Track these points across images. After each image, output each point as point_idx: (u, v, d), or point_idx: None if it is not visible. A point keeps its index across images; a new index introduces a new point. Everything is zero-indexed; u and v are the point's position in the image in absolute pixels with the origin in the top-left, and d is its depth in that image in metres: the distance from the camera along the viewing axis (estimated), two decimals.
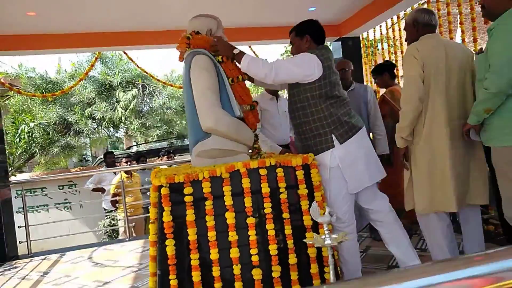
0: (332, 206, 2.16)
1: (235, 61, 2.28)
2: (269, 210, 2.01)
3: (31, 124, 8.53)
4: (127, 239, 4.54)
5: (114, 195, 5.48)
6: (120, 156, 7.82)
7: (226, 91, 2.20)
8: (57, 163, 10.96)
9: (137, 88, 9.58)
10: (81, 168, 10.10)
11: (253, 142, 2.30)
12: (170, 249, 1.93)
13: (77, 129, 9.26)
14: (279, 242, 2.02)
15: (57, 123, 9.13)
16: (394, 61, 5.24)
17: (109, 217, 6.37)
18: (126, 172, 5.50)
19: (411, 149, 2.33)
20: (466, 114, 2.16)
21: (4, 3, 3.50)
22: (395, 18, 5.19)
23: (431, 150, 2.22)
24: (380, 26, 5.38)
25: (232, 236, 1.96)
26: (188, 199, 1.95)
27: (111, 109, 9.40)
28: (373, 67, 3.67)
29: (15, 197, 4.56)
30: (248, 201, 2.00)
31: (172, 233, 1.94)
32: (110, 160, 6.24)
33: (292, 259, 2.02)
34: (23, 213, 4.42)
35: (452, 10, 4.11)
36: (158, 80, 7.00)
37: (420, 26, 2.30)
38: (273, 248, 1.99)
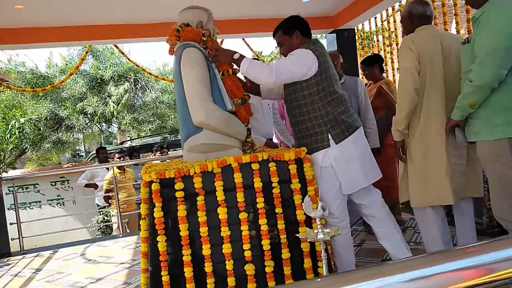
0: (324, 202, 2.14)
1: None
2: (261, 205, 1.99)
3: (22, 120, 8.39)
4: (120, 235, 4.51)
5: (107, 191, 5.43)
6: (112, 151, 7.76)
7: (217, 85, 2.17)
8: (50, 159, 10.84)
9: (129, 82, 9.45)
10: (74, 163, 10.02)
11: (246, 136, 2.27)
12: (162, 245, 1.91)
13: (69, 124, 9.12)
14: (272, 237, 2.00)
15: (48, 118, 8.99)
16: (390, 53, 5.22)
17: (103, 213, 6.33)
18: (119, 167, 5.45)
19: (407, 142, 2.32)
20: None
21: None
22: (390, 10, 5.16)
23: (427, 143, 2.21)
24: (376, 18, 5.34)
25: (225, 231, 1.94)
26: (179, 194, 1.93)
27: (103, 104, 9.27)
28: (362, 60, 3.66)
29: (6, 193, 4.51)
30: (240, 196, 1.98)
31: (164, 229, 1.92)
32: (102, 156, 6.18)
33: (285, 254, 2.00)
34: (14, 209, 4.37)
35: (447, 2, 4.08)
36: (150, 74, 6.92)
37: (415, 18, 2.28)
38: (266, 243, 1.98)
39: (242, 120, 2.25)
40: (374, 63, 3.44)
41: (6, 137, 8.26)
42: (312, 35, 2.36)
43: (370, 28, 5.49)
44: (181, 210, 1.92)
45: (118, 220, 4.69)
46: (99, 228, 6.58)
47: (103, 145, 9.74)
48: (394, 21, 5.35)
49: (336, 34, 5.22)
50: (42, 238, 5.15)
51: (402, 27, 2.43)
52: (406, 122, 2.23)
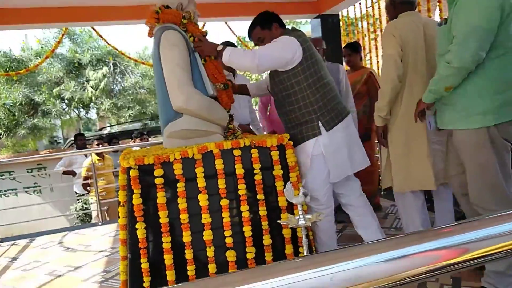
0: (311, 188, 2.14)
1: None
2: (243, 192, 1.97)
3: None
4: (99, 223, 4.43)
5: (86, 178, 5.32)
6: (91, 138, 7.59)
7: (198, 69, 2.11)
8: (26, 146, 10.54)
9: (107, 66, 9.21)
10: (51, 150, 9.77)
11: (228, 122, 2.23)
12: (141, 232, 1.87)
13: (45, 109, 8.86)
14: (254, 224, 1.99)
15: (23, 103, 8.70)
16: (374, 40, 5.23)
17: (81, 201, 6.21)
18: (97, 154, 5.33)
19: (389, 128, 2.34)
20: None
21: None
22: None
23: (408, 129, 2.23)
24: (360, 4, 5.32)
25: (205, 218, 1.92)
26: (158, 181, 1.89)
27: (80, 89, 9.03)
28: (348, 43, 3.63)
29: None
30: (221, 183, 1.95)
31: (143, 216, 1.88)
32: (80, 142, 6.03)
33: (267, 240, 2.00)
34: None
35: None
36: (130, 58, 6.74)
37: (397, 4, 2.27)
38: (247, 230, 1.97)
39: (224, 106, 2.21)
40: (359, 50, 3.45)
41: None
42: (296, 20, 2.34)
43: (354, 14, 5.47)
44: (161, 197, 1.88)
45: (97, 208, 4.61)
46: (78, 216, 6.47)
47: (81, 132, 9.52)
48: (379, 8, 5.34)
49: (321, 20, 5.18)
50: (19, 227, 5.02)
51: (386, 13, 2.42)
52: (388, 108, 2.24)
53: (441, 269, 0.46)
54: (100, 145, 5.90)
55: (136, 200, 1.87)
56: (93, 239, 3.80)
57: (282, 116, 2.29)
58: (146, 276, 1.89)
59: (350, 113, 2.25)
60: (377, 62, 5.25)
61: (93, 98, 9.06)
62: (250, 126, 3.29)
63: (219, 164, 1.96)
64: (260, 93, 2.60)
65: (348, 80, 3.22)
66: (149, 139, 7.16)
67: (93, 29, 5.62)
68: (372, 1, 5.26)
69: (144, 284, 1.88)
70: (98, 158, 5.35)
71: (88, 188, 5.48)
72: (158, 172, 1.89)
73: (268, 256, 2.00)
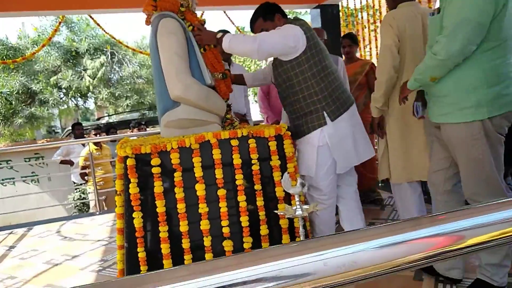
0: (315, 179, 2.14)
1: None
2: (240, 182, 1.97)
3: None
4: (97, 213, 4.44)
5: (83, 167, 5.31)
6: (89, 127, 7.56)
7: (196, 58, 2.09)
8: (23, 135, 10.50)
9: (105, 55, 9.13)
10: (49, 140, 9.74)
11: (225, 112, 2.22)
12: (138, 221, 1.87)
13: (42, 98, 8.80)
14: (251, 214, 1.99)
15: (20, 92, 8.63)
16: (374, 31, 5.20)
17: (79, 191, 6.21)
18: (95, 144, 5.32)
19: (387, 119, 2.33)
20: None
21: None
22: None
23: (406, 120, 2.23)
24: None
25: (203, 208, 1.92)
26: (155, 170, 1.88)
27: (78, 78, 8.96)
28: (348, 34, 3.59)
29: None
30: (219, 173, 1.94)
31: (140, 205, 1.88)
32: (78, 132, 6.01)
33: (264, 230, 2.00)
34: None
35: None
36: (127, 47, 6.69)
37: None
38: (244, 220, 1.97)
39: (222, 96, 2.20)
40: (357, 42, 3.45)
41: None
42: (296, 11, 2.31)
43: (354, 5, 5.43)
44: (158, 186, 1.88)
45: (95, 197, 4.61)
46: (75, 205, 6.47)
47: (79, 121, 9.49)
48: None
49: (320, 10, 5.13)
50: (16, 216, 5.03)
51: (386, 3, 2.40)
52: (384, 99, 2.23)
53: (437, 256, 0.46)
54: (98, 135, 5.88)
55: (133, 189, 1.86)
56: (90, 229, 3.81)
57: (286, 107, 2.26)
58: (143, 265, 1.89)
59: (354, 102, 2.23)
60: (376, 53, 5.22)
61: (90, 87, 9.00)
62: (246, 117, 3.28)
63: (216, 154, 1.95)
64: (256, 83, 2.58)
65: (347, 72, 3.20)
66: (147, 129, 7.13)
67: (91, 17, 5.56)
68: None
69: (141, 273, 1.88)
70: (96, 147, 5.34)
71: (85, 177, 5.48)
72: (155, 161, 1.88)
73: (265, 246, 2.01)
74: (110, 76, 9.40)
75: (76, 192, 6.27)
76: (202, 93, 2.02)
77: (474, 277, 1.87)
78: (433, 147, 1.97)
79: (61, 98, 9.45)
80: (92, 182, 4.65)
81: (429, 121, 1.93)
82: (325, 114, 2.09)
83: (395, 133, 2.29)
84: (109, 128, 6.65)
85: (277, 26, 2.15)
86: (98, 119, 12.09)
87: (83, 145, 5.55)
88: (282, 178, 1.79)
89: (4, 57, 8.31)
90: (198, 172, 1.92)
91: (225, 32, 2.14)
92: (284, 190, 1.87)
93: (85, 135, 6.17)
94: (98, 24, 5.76)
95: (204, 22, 2.22)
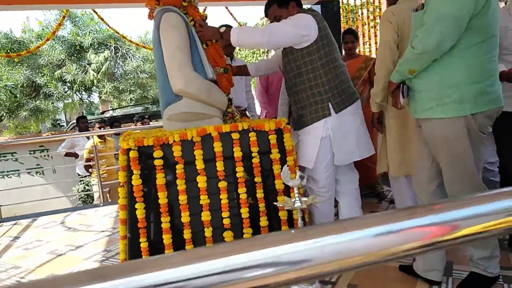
0: (315, 171, 2.17)
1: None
2: (241, 174, 2.00)
3: None
4: (101, 204, 4.49)
5: (87, 160, 5.36)
6: (93, 121, 7.61)
7: (198, 52, 2.12)
8: (28, 128, 10.58)
9: (109, 50, 9.16)
10: (53, 132, 9.81)
11: (227, 106, 2.25)
12: (140, 212, 1.91)
13: (47, 92, 8.85)
14: (251, 206, 2.03)
15: (25, 85, 8.69)
16: (374, 28, 5.19)
17: (83, 183, 6.27)
18: (99, 136, 5.36)
19: (385, 114, 2.35)
20: None
21: None
22: None
23: (404, 115, 2.25)
24: None
25: (204, 200, 1.96)
26: (158, 162, 1.92)
27: (82, 72, 9.00)
28: (350, 30, 3.59)
29: None
30: (220, 165, 1.98)
31: (142, 196, 1.92)
32: (83, 125, 6.06)
33: (263, 222, 2.04)
34: None
35: None
36: (131, 41, 6.71)
37: None
38: (244, 212, 2.01)
39: (224, 90, 2.22)
40: (358, 38, 3.46)
41: None
42: None
43: (355, 1, 5.42)
44: (160, 178, 1.92)
45: (99, 189, 4.66)
46: (80, 197, 6.54)
47: (84, 115, 9.55)
48: None
49: (321, 6, 5.12)
50: (21, 207, 5.10)
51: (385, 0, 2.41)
52: (383, 94, 2.25)
53: (432, 245, 0.47)
54: (102, 128, 5.92)
55: (136, 181, 1.90)
56: (94, 220, 3.86)
57: (291, 96, 2.27)
58: (145, 255, 1.93)
59: (359, 98, 2.24)
60: (376, 50, 5.23)
61: (94, 81, 9.04)
62: (246, 112, 3.30)
63: (217, 147, 1.98)
64: (259, 73, 2.58)
65: (348, 68, 3.20)
66: (150, 123, 7.17)
67: (95, 11, 5.58)
68: None
69: None
70: (100, 140, 5.39)
71: (90, 169, 5.54)
72: (158, 153, 1.92)
73: None
74: (114, 71, 9.44)
75: (81, 184, 6.34)
76: (204, 87, 2.05)
77: (463, 269, 1.90)
78: (418, 144, 1.96)
79: (65, 92, 9.50)
80: (96, 174, 4.70)
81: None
82: (330, 105, 2.10)
83: (393, 128, 2.32)
84: (113, 122, 6.69)
85: (291, 14, 2.15)
86: (102, 112, 12.15)
87: (88, 138, 5.61)
88: (281, 171, 1.82)
89: (8, 51, 8.36)
90: (199, 164, 1.96)
91: (228, 26, 2.16)
92: (283, 183, 1.90)
93: (89, 128, 6.22)
94: (102, 19, 5.78)
95: (206, 17, 2.24)
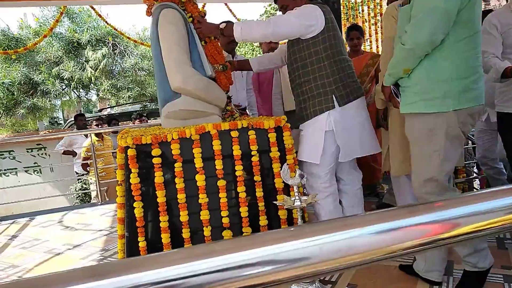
0: (317, 166, 2.12)
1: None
2: (240, 173, 1.98)
3: None
4: (99, 203, 4.47)
5: (85, 158, 5.33)
6: (90, 118, 7.57)
7: (197, 49, 2.09)
8: (25, 126, 10.53)
9: (107, 47, 9.11)
10: (51, 130, 9.76)
11: (226, 104, 2.22)
12: (138, 211, 1.89)
13: (44, 89, 8.79)
14: (250, 205, 2.01)
15: (22, 82, 8.63)
16: (374, 25, 5.17)
17: (81, 181, 6.24)
18: (97, 135, 5.33)
19: (389, 112, 2.34)
20: None
21: None
22: None
23: None
24: None
25: (203, 198, 1.93)
26: (156, 161, 1.89)
27: (80, 69, 8.95)
28: (355, 26, 3.55)
29: None
30: (219, 164, 1.96)
31: (140, 195, 1.90)
32: (81, 123, 6.02)
33: (263, 221, 2.02)
34: None
35: None
36: (129, 38, 6.68)
37: None
38: (244, 211, 1.98)
39: (222, 88, 2.20)
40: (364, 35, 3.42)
41: None
42: None
43: None
44: (158, 177, 1.89)
45: (96, 188, 4.64)
46: (77, 196, 6.51)
47: (82, 113, 9.51)
48: None
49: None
50: (19, 206, 5.07)
51: None
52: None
53: (432, 243, 0.46)
54: (99, 126, 5.89)
55: (134, 179, 1.88)
56: (92, 219, 3.84)
57: (294, 89, 2.22)
58: (144, 255, 1.91)
59: (364, 95, 2.20)
60: (377, 47, 5.21)
61: (92, 78, 9.00)
62: (247, 111, 3.28)
63: (216, 145, 1.96)
64: (262, 67, 2.53)
65: (354, 64, 3.15)
66: (148, 120, 7.14)
67: (92, 8, 5.54)
68: None
69: None
70: (97, 139, 5.36)
71: (87, 168, 5.51)
72: (156, 151, 1.89)
73: None
74: (112, 68, 9.39)
75: (78, 182, 6.31)
76: (202, 84, 2.03)
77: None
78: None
79: (63, 89, 9.45)
80: (94, 173, 4.67)
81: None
82: (334, 98, 2.05)
83: (395, 126, 2.30)
84: (111, 120, 6.66)
85: (298, 4, 2.11)
86: (100, 110, 12.10)
87: (86, 136, 5.57)
88: (281, 169, 1.80)
89: (5, 48, 8.30)
90: (198, 162, 1.93)
91: (228, 22, 2.13)
92: (283, 182, 1.88)
93: (87, 126, 6.19)
94: (99, 16, 5.75)
95: (205, 14, 2.21)
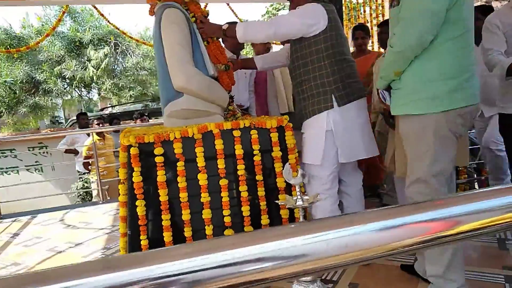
0: (319, 167, 2.11)
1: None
2: (242, 172, 1.99)
3: None
4: (100, 202, 4.48)
5: (86, 157, 5.35)
6: (91, 118, 7.58)
7: (199, 49, 2.10)
8: (27, 124, 10.55)
9: (109, 46, 9.13)
10: (52, 130, 9.77)
11: (228, 104, 2.23)
12: (141, 210, 1.89)
13: (46, 88, 8.81)
14: (252, 204, 2.01)
15: (24, 81, 8.65)
16: (376, 26, 5.16)
17: (82, 180, 6.25)
18: (98, 134, 5.34)
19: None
20: None
21: None
22: None
23: None
24: None
25: (205, 197, 1.94)
26: (158, 159, 1.90)
27: (81, 68, 8.97)
28: (360, 25, 3.53)
29: None
30: (221, 163, 1.96)
31: (143, 193, 1.90)
32: (83, 121, 6.04)
33: (265, 220, 2.03)
34: None
35: None
36: (131, 37, 6.69)
37: None
38: (245, 210, 1.99)
39: (225, 87, 2.21)
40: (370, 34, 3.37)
41: None
42: None
43: None
44: (161, 176, 1.90)
45: (98, 187, 4.65)
46: (79, 195, 6.53)
47: (84, 111, 9.52)
48: None
49: None
50: (20, 204, 5.07)
51: None
52: None
53: (433, 240, 0.47)
54: (100, 125, 5.90)
55: (136, 178, 1.89)
56: (93, 217, 3.85)
57: (295, 87, 2.22)
58: None
59: (365, 96, 2.17)
60: (379, 48, 5.20)
61: (94, 77, 9.01)
62: (249, 111, 3.28)
63: (218, 144, 1.97)
64: (266, 66, 2.52)
65: (359, 64, 3.13)
66: (150, 120, 7.15)
67: (95, 7, 5.55)
68: None
69: None
70: (99, 138, 5.37)
71: (89, 167, 5.52)
72: (158, 150, 1.90)
73: None
74: (113, 67, 9.40)
75: (80, 181, 6.32)
76: (205, 84, 2.03)
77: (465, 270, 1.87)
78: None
79: (65, 88, 9.47)
80: (95, 172, 4.68)
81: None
82: (333, 97, 2.03)
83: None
84: (113, 119, 6.68)
85: (300, 4, 2.09)
86: (101, 109, 12.11)
87: (88, 135, 5.59)
88: (283, 169, 1.81)
89: (8, 46, 8.32)
90: (200, 162, 1.94)
91: (231, 23, 2.13)
92: (285, 181, 1.88)
93: (89, 125, 6.20)
94: (102, 15, 5.76)
95: (207, 14, 2.22)
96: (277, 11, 16.36)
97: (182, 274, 0.38)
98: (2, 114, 8.78)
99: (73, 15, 9.39)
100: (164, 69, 2.03)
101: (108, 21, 6.04)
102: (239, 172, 1.99)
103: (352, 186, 2.30)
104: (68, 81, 9.34)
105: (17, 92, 8.56)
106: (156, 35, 2.08)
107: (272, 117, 2.17)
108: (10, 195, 4.99)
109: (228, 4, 5.54)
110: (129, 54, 9.48)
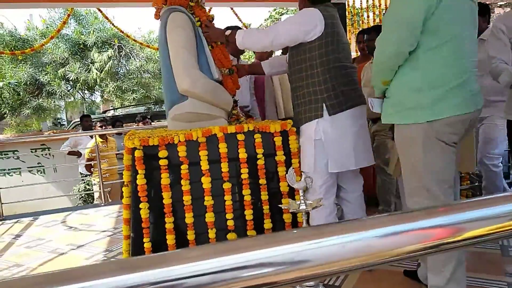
0: (312, 176, 2.09)
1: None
2: (245, 176, 2.00)
3: (0, 84, 8.12)
4: (102, 204, 4.48)
5: (89, 159, 5.35)
6: (94, 120, 7.61)
7: (204, 53, 2.11)
8: (29, 126, 10.59)
9: (113, 49, 9.18)
10: (54, 131, 9.81)
11: (232, 108, 2.24)
12: (144, 212, 1.90)
13: (50, 90, 8.85)
14: (255, 208, 2.02)
15: (28, 83, 8.70)
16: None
17: (84, 182, 6.26)
18: (101, 136, 5.35)
19: None
20: None
21: None
22: None
23: None
24: None
25: (208, 201, 1.95)
26: (162, 162, 1.91)
27: (85, 70, 9.01)
28: (364, 29, 3.53)
29: None
30: (224, 167, 1.97)
31: (146, 196, 1.91)
32: (87, 124, 6.05)
33: (268, 224, 2.03)
34: None
35: None
36: (135, 40, 6.73)
37: None
38: (248, 214, 2.00)
39: (229, 91, 2.22)
40: None
41: None
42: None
43: (361, 4, 5.42)
44: (165, 178, 1.91)
45: (100, 189, 4.65)
46: (80, 197, 6.53)
47: (88, 114, 9.55)
48: None
49: None
50: (22, 206, 5.08)
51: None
52: None
53: (436, 247, 0.47)
54: (103, 127, 5.92)
55: (141, 180, 1.89)
56: (95, 219, 3.85)
57: (292, 92, 2.18)
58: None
59: (364, 104, 2.10)
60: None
61: (97, 80, 9.05)
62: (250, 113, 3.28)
63: (222, 147, 1.98)
64: (274, 70, 2.47)
65: (362, 69, 3.12)
66: (152, 123, 7.16)
67: (99, 10, 5.59)
68: None
69: None
70: (102, 140, 5.38)
71: (91, 169, 5.53)
72: (163, 153, 1.91)
73: None
74: (117, 70, 9.45)
75: (82, 183, 6.33)
76: (209, 87, 2.05)
77: (468, 276, 1.86)
78: None
79: (68, 90, 9.51)
80: (97, 174, 4.69)
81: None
82: (324, 106, 1.98)
83: None
84: (115, 121, 6.69)
85: (300, 5, 2.10)
86: (104, 112, 12.15)
87: (91, 137, 5.60)
88: (287, 173, 1.81)
89: (12, 48, 8.37)
90: (204, 165, 1.95)
91: (233, 28, 2.15)
92: (288, 185, 1.89)
93: (92, 128, 6.22)
94: (106, 18, 5.79)
95: (213, 19, 2.23)
96: (280, 15, 16.42)
97: (185, 278, 0.38)
98: (5, 115, 8.82)
99: (78, 18, 9.46)
100: (169, 72, 2.04)
101: (113, 24, 6.07)
102: (242, 176, 2.00)
103: (352, 192, 2.24)
104: (71, 83, 9.38)
105: (21, 93, 8.60)
106: (161, 38, 2.09)
107: (276, 121, 2.18)
108: (12, 197, 5.00)
109: (232, 8, 5.58)
110: (132, 57, 9.53)
